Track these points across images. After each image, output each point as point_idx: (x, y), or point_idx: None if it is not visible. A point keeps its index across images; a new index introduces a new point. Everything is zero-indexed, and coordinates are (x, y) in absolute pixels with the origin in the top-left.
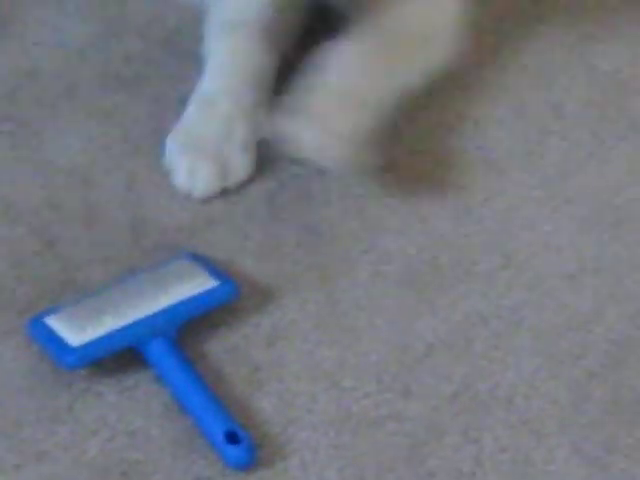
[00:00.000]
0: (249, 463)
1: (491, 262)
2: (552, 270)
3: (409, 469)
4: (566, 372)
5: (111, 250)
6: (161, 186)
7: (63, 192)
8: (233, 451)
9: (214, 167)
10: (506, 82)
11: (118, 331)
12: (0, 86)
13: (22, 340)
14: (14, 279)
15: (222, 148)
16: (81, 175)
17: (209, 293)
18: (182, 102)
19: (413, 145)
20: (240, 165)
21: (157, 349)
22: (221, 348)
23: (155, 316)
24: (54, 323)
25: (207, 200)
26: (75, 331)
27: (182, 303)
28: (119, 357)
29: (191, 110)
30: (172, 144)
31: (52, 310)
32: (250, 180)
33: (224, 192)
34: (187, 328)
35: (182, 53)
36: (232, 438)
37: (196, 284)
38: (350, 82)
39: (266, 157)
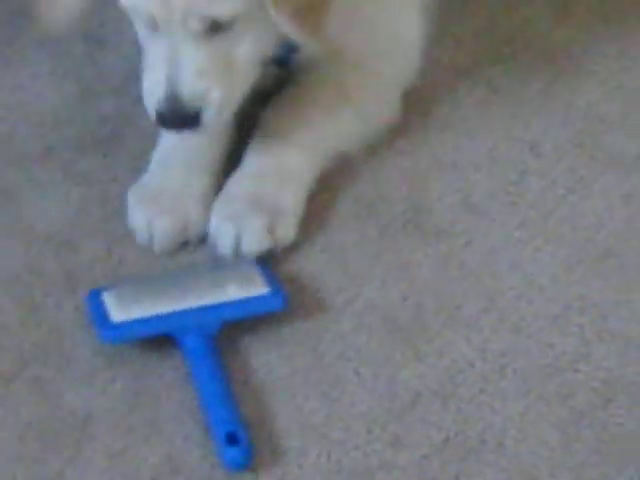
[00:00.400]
0: (245, 464)
1: (475, 306)
2: (537, 311)
3: None
4: (555, 413)
5: None
6: (142, 247)
7: (43, 257)
8: (231, 452)
9: (172, 221)
10: (481, 122)
11: (160, 317)
12: None
13: (9, 409)
14: None
15: (181, 202)
16: (61, 239)
17: (255, 299)
18: None
19: (390, 191)
20: (200, 219)
21: (193, 342)
22: None
23: (197, 310)
24: (107, 297)
25: (172, 254)
26: (121, 309)
27: (226, 303)
28: (104, 420)
29: (151, 167)
30: (132, 199)
31: (111, 286)
32: None
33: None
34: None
35: None
36: (232, 440)
37: (247, 288)
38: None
39: None
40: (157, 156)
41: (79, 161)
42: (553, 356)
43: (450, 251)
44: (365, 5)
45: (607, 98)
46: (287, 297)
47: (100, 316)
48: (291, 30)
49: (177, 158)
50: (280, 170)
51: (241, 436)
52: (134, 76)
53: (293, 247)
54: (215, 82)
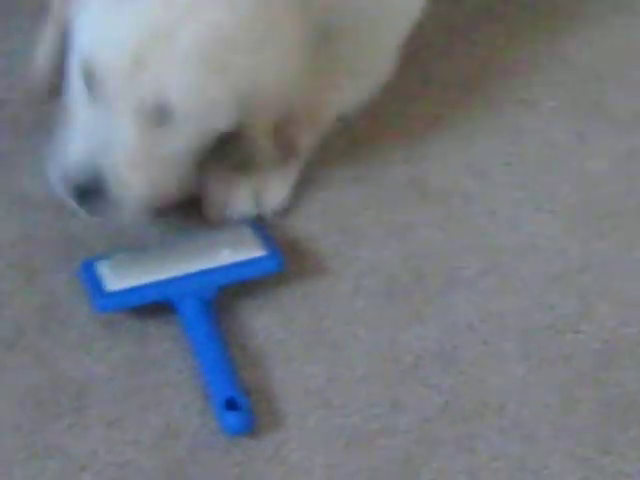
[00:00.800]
0: (245, 429)
1: (475, 267)
2: (537, 272)
3: None
4: (556, 375)
5: None
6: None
7: (40, 224)
8: (230, 417)
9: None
10: (481, 83)
11: (155, 284)
12: None
13: (7, 377)
14: None
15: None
16: (57, 206)
17: (251, 262)
18: None
19: (390, 152)
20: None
21: (190, 308)
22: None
23: (193, 276)
24: (101, 267)
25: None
26: (115, 278)
27: (222, 267)
28: (103, 388)
29: None
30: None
31: (105, 256)
32: None
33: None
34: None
35: None
36: (232, 405)
37: (243, 252)
38: None
39: None
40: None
41: None
42: (554, 317)
43: (450, 212)
44: None
45: (607, 56)
46: (284, 259)
47: (94, 285)
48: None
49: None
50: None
51: (241, 401)
52: None
53: (292, 209)
54: (140, 175)
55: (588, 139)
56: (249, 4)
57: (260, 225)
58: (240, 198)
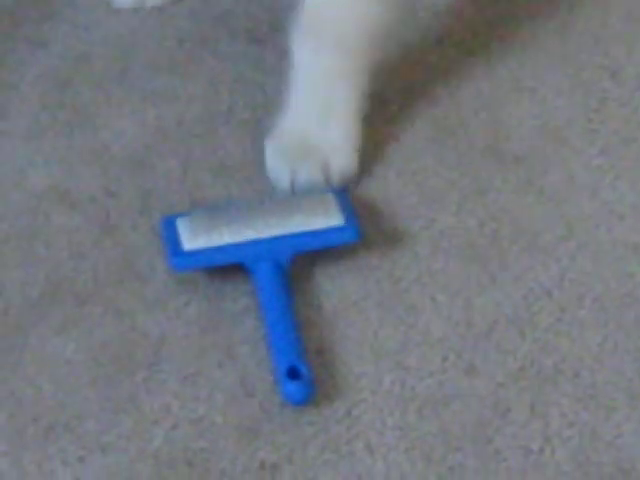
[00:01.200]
0: (306, 399)
1: (553, 233)
2: (616, 239)
3: (476, 448)
4: (633, 343)
5: None
6: (216, 169)
7: (119, 178)
8: (291, 386)
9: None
10: (562, 48)
11: (231, 246)
12: (53, 73)
13: (83, 331)
14: (73, 269)
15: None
16: (137, 161)
17: (329, 231)
18: (236, 82)
19: (470, 117)
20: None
21: (263, 273)
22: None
23: (270, 240)
24: (181, 224)
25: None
26: (193, 236)
27: (299, 234)
28: (178, 343)
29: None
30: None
31: (184, 213)
32: None
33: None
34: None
35: (235, 32)
36: (293, 374)
37: (321, 219)
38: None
39: None
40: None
41: (155, 82)
42: (632, 285)
43: (529, 177)
44: None
45: None
46: (362, 228)
47: (172, 243)
48: None
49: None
50: (326, 100)
51: (303, 371)
52: None
53: (368, 172)
54: None
55: None
56: None
57: (341, 191)
58: (307, 173)
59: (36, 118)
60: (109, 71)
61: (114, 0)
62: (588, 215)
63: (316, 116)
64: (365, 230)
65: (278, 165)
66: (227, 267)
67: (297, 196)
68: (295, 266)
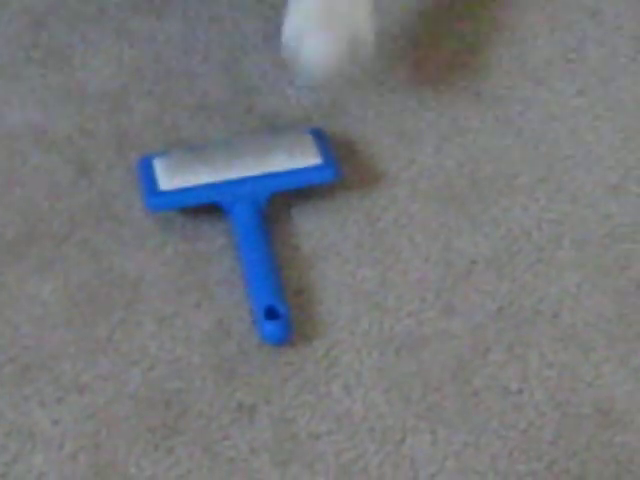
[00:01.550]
0: (284, 339)
1: (532, 174)
2: (595, 180)
3: (455, 388)
4: (612, 284)
5: None
6: (193, 109)
7: (96, 118)
8: (269, 326)
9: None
10: None
11: (207, 186)
12: (27, 13)
13: (60, 272)
14: (50, 209)
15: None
16: (113, 100)
17: (307, 170)
18: (213, 21)
19: (449, 57)
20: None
21: (240, 212)
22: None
23: (246, 180)
24: (157, 164)
25: (227, 119)
26: (169, 176)
27: (277, 173)
28: (155, 284)
29: None
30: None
31: (161, 153)
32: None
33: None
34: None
35: None
36: (271, 314)
37: (299, 159)
38: None
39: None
40: None
41: (132, 21)
42: (611, 226)
43: (507, 118)
44: None
45: None
46: (340, 168)
47: (148, 183)
48: None
49: None
50: None
51: (281, 311)
52: None
53: (347, 112)
54: None
55: None
56: None
57: (318, 130)
58: (333, 45)
59: (11, 58)
60: (84, 11)
61: None
62: (567, 156)
63: None
64: (343, 170)
65: (300, 37)
66: (204, 206)
67: (275, 135)
68: (273, 206)
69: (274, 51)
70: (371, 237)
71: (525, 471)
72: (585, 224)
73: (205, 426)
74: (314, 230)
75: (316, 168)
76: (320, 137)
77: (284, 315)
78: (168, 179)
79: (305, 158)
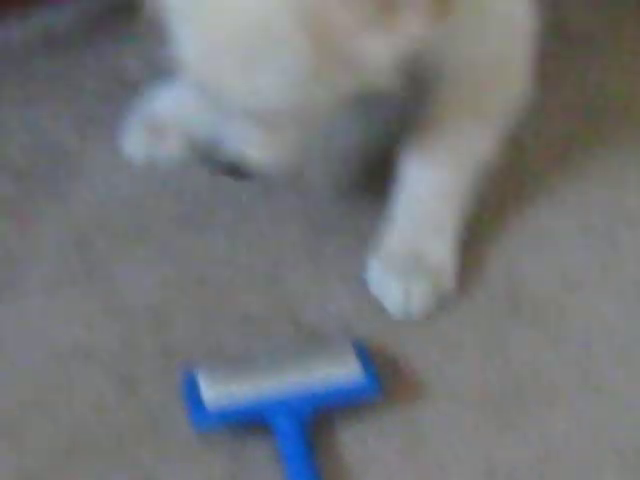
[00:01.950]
0: None
1: (571, 382)
2: (634, 387)
3: None
4: None
5: None
6: (235, 323)
7: (140, 333)
8: None
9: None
10: (577, 197)
11: (252, 402)
12: (72, 228)
13: None
14: (96, 424)
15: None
16: (157, 315)
17: (350, 388)
18: (255, 236)
19: (488, 268)
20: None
21: (284, 426)
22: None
23: (290, 396)
24: (202, 380)
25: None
26: (215, 393)
27: (320, 390)
28: None
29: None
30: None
31: (207, 369)
32: None
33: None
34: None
35: (252, 186)
36: None
37: (341, 374)
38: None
39: None
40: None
41: (176, 237)
42: None
43: (545, 325)
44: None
45: None
46: (381, 380)
47: (194, 400)
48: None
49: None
50: (432, 221)
51: None
52: None
53: (391, 325)
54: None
55: None
56: None
57: (359, 343)
58: (422, 293)
59: (55, 273)
60: (128, 227)
61: (126, 150)
62: (605, 363)
63: (427, 233)
64: (386, 381)
65: (388, 282)
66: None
67: (317, 349)
68: (315, 416)
69: (315, 265)
70: (412, 447)
71: None
72: (625, 430)
73: None
74: (356, 440)
75: (359, 385)
76: (361, 351)
77: None
78: (213, 396)
79: (347, 373)
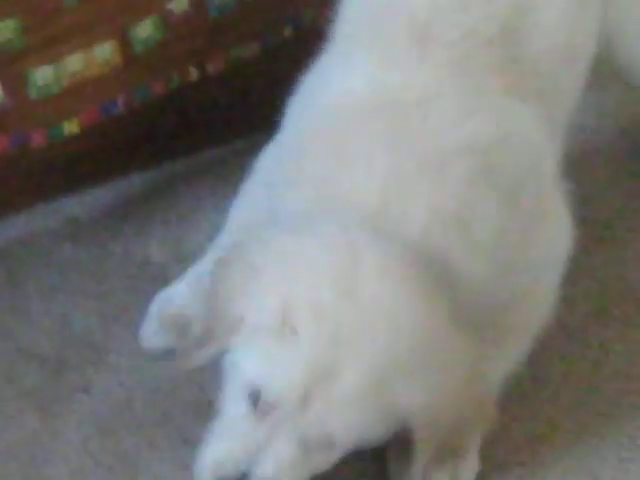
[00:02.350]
0: None
1: None
2: None
3: None
4: None
5: None
6: None
7: None
8: None
9: None
10: (593, 384)
11: None
12: (95, 418)
13: None
14: None
15: None
16: None
17: None
18: None
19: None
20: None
21: None
22: None
23: None
24: None
25: None
26: None
27: None
28: None
29: None
30: None
31: None
32: None
33: None
34: None
35: None
36: None
37: None
38: None
39: None
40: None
41: (196, 425)
42: None
43: None
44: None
45: None
46: None
47: None
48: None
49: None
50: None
51: None
52: None
53: None
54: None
55: None
56: (411, 324)
57: None
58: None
59: (80, 464)
60: (150, 415)
61: (143, 340)
62: None
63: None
64: None
65: None
66: None
67: None
68: None
69: None
70: None
71: None
72: None
73: None
74: None
75: None
76: None
77: None
78: None
79: None
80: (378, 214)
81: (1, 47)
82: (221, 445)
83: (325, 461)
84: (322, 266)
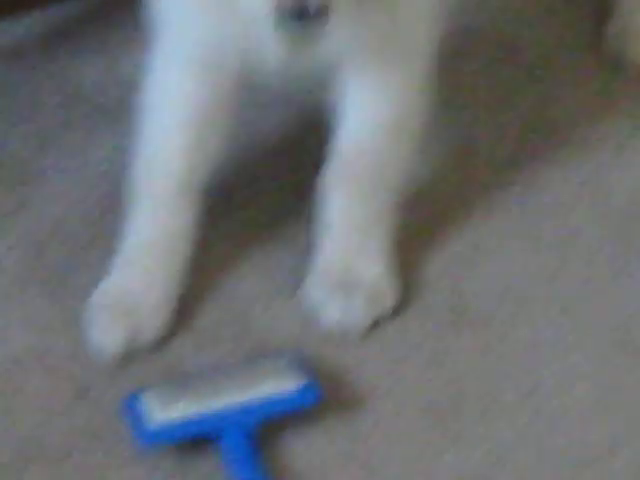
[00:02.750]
0: None
1: (515, 392)
2: (577, 399)
3: None
4: None
5: None
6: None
7: None
8: None
9: (123, 332)
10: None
11: (196, 419)
12: (28, 237)
13: None
14: (45, 432)
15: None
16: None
17: (289, 396)
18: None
19: (434, 280)
20: (153, 328)
21: (229, 442)
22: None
23: (233, 411)
24: (145, 398)
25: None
26: (157, 411)
27: (261, 401)
28: None
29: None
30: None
31: (151, 387)
32: None
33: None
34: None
35: None
36: None
37: (281, 384)
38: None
39: None
40: (119, 259)
41: None
42: (589, 452)
43: (489, 340)
44: None
45: None
46: (322, 391)
47: (137, 419)
48: None
49: (140, 259)
50: (360, 239)
51: None
52: None
53: (333, 337)
54: None
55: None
56: None
57: (299, 355)
58: (359, 308)
59: (12, 282)
60: (84, 235)
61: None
62: (549, 374)
63: (356, 251)
64: (332, 393)
65: (323, 299)
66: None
67: (255, 363)
68: (262, 428)
69: (267, 276)
70: (358, 455)
71: None
72: (568, 447)
73: None
74: (304, 449)
75: (300, 392)
76: (298, 360)
77: None
78: (157, 414)
79: (288, 383)
80: None
81: None
82: None
83: None
84: None
